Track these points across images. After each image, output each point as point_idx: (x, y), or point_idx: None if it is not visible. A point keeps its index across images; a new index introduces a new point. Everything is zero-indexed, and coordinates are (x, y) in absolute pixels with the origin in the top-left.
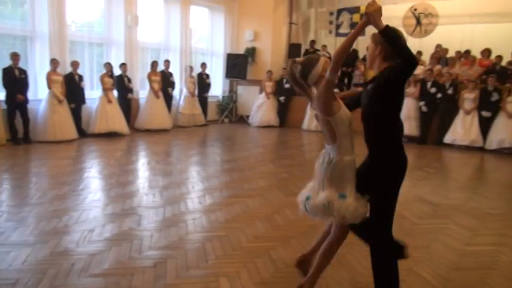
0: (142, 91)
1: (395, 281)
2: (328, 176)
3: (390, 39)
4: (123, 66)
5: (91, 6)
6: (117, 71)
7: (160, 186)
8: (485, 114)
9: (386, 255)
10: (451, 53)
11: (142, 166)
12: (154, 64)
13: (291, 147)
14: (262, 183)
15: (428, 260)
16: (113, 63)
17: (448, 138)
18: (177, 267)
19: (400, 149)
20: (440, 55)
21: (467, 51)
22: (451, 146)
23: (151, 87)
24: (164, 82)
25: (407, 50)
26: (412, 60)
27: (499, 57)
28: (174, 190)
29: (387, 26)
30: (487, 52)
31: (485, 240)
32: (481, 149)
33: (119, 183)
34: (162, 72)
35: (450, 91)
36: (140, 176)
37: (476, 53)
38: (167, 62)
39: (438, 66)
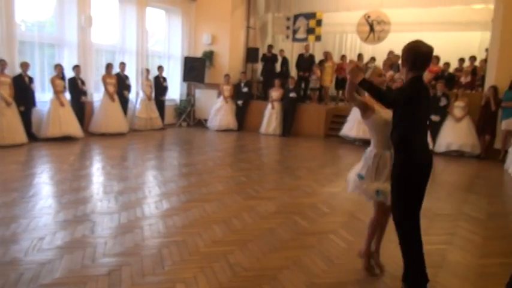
0: (96, 94)
1: (416, 253)
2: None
3: (366, 89)
4: (76, 68)
5: (42, 5)
6: (70, 73)
7: (116, 192)
8: (435, 118)
9: (402, 233)
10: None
11: (96, 171)
12: (109, 66)
13: (249, 150)
14: (220, 187)
15: (383, 261)
16: (65, 65)
17: None
18: (133, 275)
19: (413, 153)
20: (392, 61)
21: None
22: None
23: (106, 90)
24: (120, 85)
25: (381, 96)
26: (386, 103)
27: (447, 64)
28: (129, 195)
29: (363, 80)
30: (435, 59)
31: (435, 239)
32: (431, 152)
33: (72, 189)
34: (118, 74)
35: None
36: (94, 181)
37: None
38: (122, 65)
39: (391, 72)
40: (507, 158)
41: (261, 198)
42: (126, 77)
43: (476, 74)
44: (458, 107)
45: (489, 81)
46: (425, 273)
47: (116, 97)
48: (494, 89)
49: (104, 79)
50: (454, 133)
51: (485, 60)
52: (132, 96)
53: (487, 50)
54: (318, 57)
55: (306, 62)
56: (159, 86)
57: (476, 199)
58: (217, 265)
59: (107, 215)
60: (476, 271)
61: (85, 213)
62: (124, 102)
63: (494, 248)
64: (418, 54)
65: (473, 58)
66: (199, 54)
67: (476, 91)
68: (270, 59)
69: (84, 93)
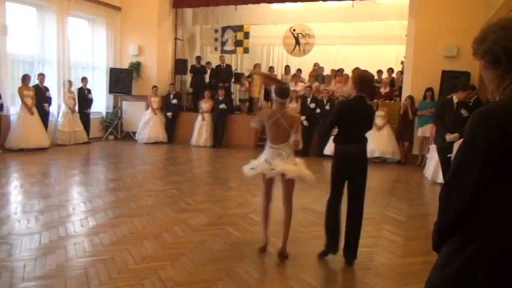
0: (13, 107)
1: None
2: None
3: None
4: None
5: None
6: None
7: (36, 211)
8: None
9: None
10: (327, 71)
11: (14, 189)
12: (26, 78)
13: (179, 163)
14: (150, 201)
15: (313, 265)
16: None
17: (327, 150)
18: None
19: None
20: (317, 73)
21: (341, 70)
22: (330, 157)
23: (24, 102)
24: (39, 97)
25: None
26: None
27: None
28: (52, 214)
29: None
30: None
31: (361, 242)
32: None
33: None
34: (36, 86)
35: (327, 106)
36: (12, 200)
37: (348, 71)
38: (41, 76)
39: (316, 83)
40: (426, 162)
41: (193, 210)
42: (46, 89)
43: (394, 85)
44: (378, 116)
45: (406, 92)
46: (338, 244)
47: (34, 110)
48: (411, 98)
49: (20, 91)
50: (375, 141)
51: (401, 72)
52: (53, 109)
53: (402, 62)
54: (247, 69)
55: (224, 73)
56: (84, 98)
57: (398, 202)
58: (147, 282)
59: (26, 236)
60: (400, 270)
61: (1, 235)
62: (44, 115)
63: (415, 247)
64: (363, 80)
65: (391, 70)
66: (125, 65)
67: (395, 101)
68: (199, 71)
69: (1, 107)
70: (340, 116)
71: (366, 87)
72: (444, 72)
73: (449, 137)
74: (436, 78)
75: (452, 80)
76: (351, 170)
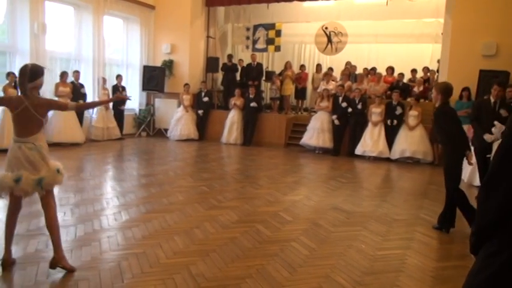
0: None
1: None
2: None
3: None
4: None
5: None
6: None
7: (72, 204)
8: (392, 122)
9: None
10: (359, 70)
11: None
12: (63, 74)
13: (210, 160)
14: (181, 197)
15: (343, 266)
16: (17, 73)
17: (358, 150)
18: None
19: None
20: (350, 72)
21: (374, 69)
22: (361, 157)
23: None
24: (75, 93)
25: None
26: None
27: (401, 75)
28: (86, 207)
29: None
30: (390, 70)
31: (393, 244)
32: (388, 159)
33: (24, 202)
34: (72, 83)
35: (359, 105)
36: None
37: (381, 70)
38: (77, 73)
39: (348, 82)
40: None
41: (223, 207)
42: (82, 86)
43: (430, 84)
44: (412, 116)
45: None
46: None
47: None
48: None
49: (56, 87)
50: (407, 141)
51: (437, 71)
52: None
53: (439, 61)
54: (278, 67)
55: (254, 72)
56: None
57: (431, 204)
58: (178, 276)
59: (62, 228)
60: (433, 274)
61: (38, 227)
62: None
63: (449, 251)
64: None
65: (426, 69)
66: (158, 63)
67: (429, 100)
68: (230, 69)
69: None
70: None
71: (450, 96)
72: (482, 72)
73: (487, 137)
74: (473, 78)
75: (490, 79)
76: None
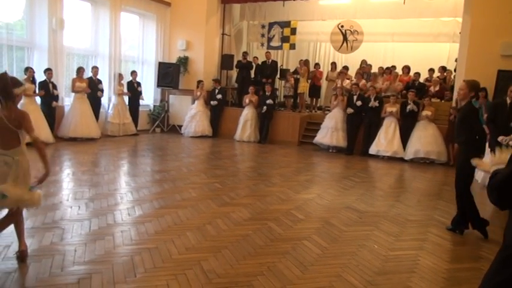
0: (67, 98)
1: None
2: None
3: None
4: (47, 71)
5: (11, 7)
6: (40, 77)
7: (86, 198)
8: (411, 107)
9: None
10: (374, 69)
11: (66, 177)
12: (80, 70)
13: (223, 157)
14: (194, 194)
15: (355, 265)
16: (35, 68)
17: (372, 149)
18: (103, 283)
19: None
20: (365, 70)
21: (389, 68)
22: (375, 156)
23: (76, 92)
24: (92, 89)
25: None
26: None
27: (417, 74)
28: (101, 202)
29: None
30: (406, 69)
31: (406, 245)
32: (402, 159)
33: None
34: (90, 78)
35: (376, 103)
36: (64, 187)
37: (397, 68)
38: (96, 69)
39: (363, 81)
40: None
41: (236, 204)
42: (99, 81)
43: (446, 83)
44: (424, 116)
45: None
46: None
47: (85, 98)
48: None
49: (73, 82)
50: (420, 141)
51: (454, 70)
52: (104, 101)
53: (457, 60)
54: (293, 65)
55: (268, 69)
56: (133, 91)
57: (446, 205)
58: (190, 272)
59: (77, 222)
60: (446, 275)
61: (54, 220)
62: (96, 106)
63: (463, 252)
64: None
65: (442, 68)
66: (173, 59)
67: (446, 101)
68: (245, 66)
69: (56, 97)
70: None
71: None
72: (500, 72)
73: (501, 138)
74: (491, 78)
75: (508, 80)
76: None
